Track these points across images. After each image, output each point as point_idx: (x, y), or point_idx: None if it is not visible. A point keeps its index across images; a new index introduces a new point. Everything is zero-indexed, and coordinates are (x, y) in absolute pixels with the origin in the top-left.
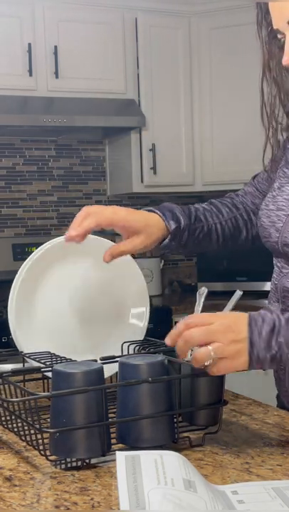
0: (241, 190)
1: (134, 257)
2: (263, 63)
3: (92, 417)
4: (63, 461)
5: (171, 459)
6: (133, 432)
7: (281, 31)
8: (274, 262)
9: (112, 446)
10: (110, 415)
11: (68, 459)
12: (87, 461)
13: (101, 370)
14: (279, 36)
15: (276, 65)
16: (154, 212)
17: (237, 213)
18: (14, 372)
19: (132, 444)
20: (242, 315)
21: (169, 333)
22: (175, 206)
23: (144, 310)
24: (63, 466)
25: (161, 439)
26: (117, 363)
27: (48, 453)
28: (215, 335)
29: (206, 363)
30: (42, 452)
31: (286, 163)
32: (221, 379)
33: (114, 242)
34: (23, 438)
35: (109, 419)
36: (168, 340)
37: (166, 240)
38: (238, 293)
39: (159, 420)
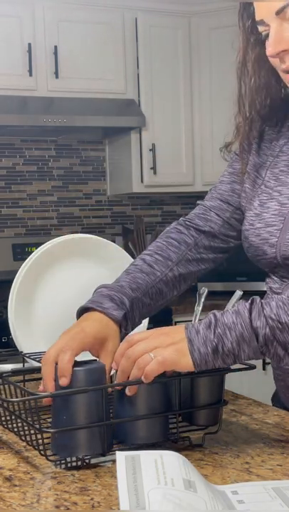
0: (199, 207)
1: (133, 256)
2: (241, 55)
3: (92, 417)
4: (63, 461)
5: (171, 459)
6: (130, 431)
7: (266, 23)
8: (270, 274)
9: (112, 446)
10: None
11: (68, 459)
12: (87, 461)
13: (103, 368)
14: (261, 29)
15: (254, 58)
16: (96, 310)
17: (186, 251)
18: (14, 372)
19: (129, 442)
20: (179, 325)
21: (114, 356)
22: (112, 286)
23: None
24: (63, 466)
25: (156, 437)
26: None
27: (48, 453)
28: (153, 343)
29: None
30: (42, 452)
31: (263, 180)
32: (221, 379)
33: (114, 242)
34: (23, 438)
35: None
36: (114, 365)
37: (123, 330)
38: (238, 293)
39: (154, 418)
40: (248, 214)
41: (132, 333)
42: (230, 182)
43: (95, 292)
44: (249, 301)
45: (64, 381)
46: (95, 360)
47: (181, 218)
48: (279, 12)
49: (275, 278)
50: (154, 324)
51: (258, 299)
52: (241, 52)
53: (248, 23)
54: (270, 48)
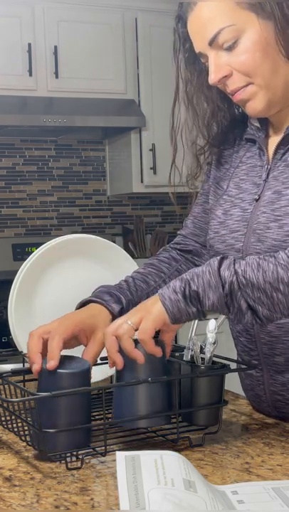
0: (179, 237)
1: (133, 256)
2: (176, 88)
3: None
4: (63, 461)
5: (171, 459)
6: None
7: (204, 54)
8: None
9: (112, 446)
10: (108, 415)
11: (69, 459)
12: (87, 461)
13: (87, 370)
14: (203, 60)
15: (193, 90)
16: (94, 301)
17: (177, 265)
18: (14, 373)
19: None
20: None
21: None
22: (111, 286)
23: None
24: (63, 466)
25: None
26: None
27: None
28: (129, 315)
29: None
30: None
31: (225, 191)
32: (221, 379)
33: (114, 242)
34: (23, 438)
35: (109, 419)
36: (110, 365)
37: None
38: None
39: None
40: (212, 223)
41: None
42: (202, 203)
43: (95, 291)
44: (220, 256)
45: (52, 364)
46: (79, 358)
47: (166, 246)
48: (211, 42)
49: None
50: None
51: (231, 257)
52: (184, 84)
53: (186, 56)
54: (212, 76)
